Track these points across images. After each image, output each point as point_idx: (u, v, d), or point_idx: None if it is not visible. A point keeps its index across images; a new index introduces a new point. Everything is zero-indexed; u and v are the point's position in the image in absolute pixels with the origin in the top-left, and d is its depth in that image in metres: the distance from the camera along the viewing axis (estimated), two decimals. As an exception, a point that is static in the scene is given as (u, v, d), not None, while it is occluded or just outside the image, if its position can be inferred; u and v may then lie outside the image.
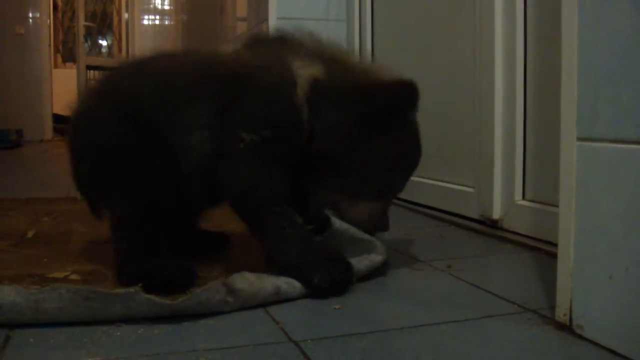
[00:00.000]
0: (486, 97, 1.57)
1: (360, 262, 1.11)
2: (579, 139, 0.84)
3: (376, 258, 1.15)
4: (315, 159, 1.09)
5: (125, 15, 7.45)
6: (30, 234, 1.51)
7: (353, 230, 1.31)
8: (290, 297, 1.00)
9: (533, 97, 1.48)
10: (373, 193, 1.12)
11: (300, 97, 1.08)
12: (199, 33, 4.73)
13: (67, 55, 8.18)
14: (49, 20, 6.72)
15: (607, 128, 0.80)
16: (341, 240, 1.29)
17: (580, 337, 0.83)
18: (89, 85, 1.26)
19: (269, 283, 0.99)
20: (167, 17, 7.10)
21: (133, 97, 1.12)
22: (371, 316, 0.96)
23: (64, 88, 6.32)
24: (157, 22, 7.14)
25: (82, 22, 6.05)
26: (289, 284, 1.00)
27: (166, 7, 7.12)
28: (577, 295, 0.85)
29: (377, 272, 1.15)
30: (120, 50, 7.69)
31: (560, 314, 0.87)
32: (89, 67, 5.76)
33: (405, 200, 1.94)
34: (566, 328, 0.86)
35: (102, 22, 7.89)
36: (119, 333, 0.86)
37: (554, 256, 0.95)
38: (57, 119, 6.34)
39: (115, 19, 7.88)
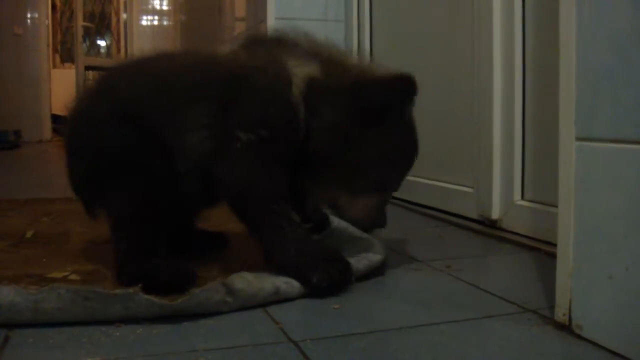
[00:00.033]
0: (485, 97, 1.58)
1: (359, 262, 1.11)
2: (578, 138, 0.84)
3: (375, 257, 1.15)
4: (313, 157, 1.09)
5: (124, 16, 7.45)
6: (29, 234, 1.51)
7: (352, 229, 1.31)
8: (289, 297, 1.00)
9: (532, 97, 1.48)
10: (371, 189, 1.11)
11: (296, 96, 1.08)
12: (198, 33, 4.73)
13: (66, 55, 8.18)
14: (47, 21, 6.71)
15: (606, 128, 0.80)
16: (339, 239, 1.29)
17: (579, 337, 0.83)
18: (85, 86, 1.25)
19: (268, 283, 0.99)
20: (165, 18, 7.10)
21: (130, 98, 1.12)
22: (370, 316, 0.96)
23: (62, 88, 6.32)
24: (155, 22, 7.13)
25: (80, 22, 6.06)
26: (287, 284, 1.00)
27: (165, 8, 7.11)
28: (577, 295, 0.85)
29: (376, 271, 1.15)
30: (118, 50, 7.69)
31: (560, 314, 0.87)
32: (87, 68, 5.77)
33: (404, 200, 1.94)
34: (565, 328, 0.86)
35: (101, 23, 7.89)
36: (118, 333, 0.86)
37: (553, 256, 0.95)
38: (56, 119, 6.34)
39: (114, 19, 7.88)
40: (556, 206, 0.89)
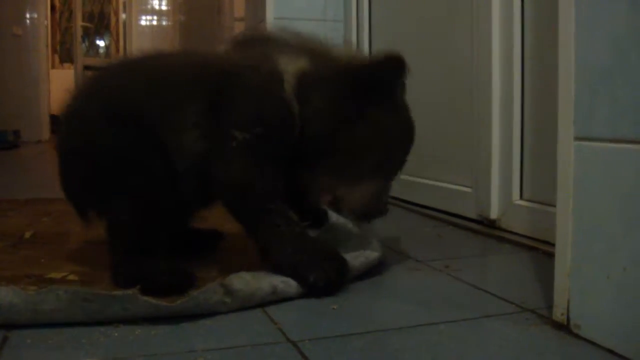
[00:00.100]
0: (484, 97, 1.58)
1: (356, 259, 1.11)
2: (576, 138, 0.84)
3: (372, 255, 1.15)
4: (309, 149, 1.09)
5: (123, 16, 7.45)
6: (28, 234, 1.51)
7: (350, 226, 1.32)
8: (287, 297, 1.00)
9: (530, 96, 1.48)
10: (368, 175, 1.11)
11: (288, 92, 1.09)
12: (197, 33, 4.73)
13: (65, 55, 8.17)
14: (46, 21, 6.70)
15: (604, 127, 0.80)
16: (337, 236, 1.29)
17: (577, 336, 0.83)
18: (77, 87, 1.25)
19: (266, 282, 0.99)
20: (164, 18, 7.09)
21: (125, 97, 1.11)
22: (369, 316, 0.96)
23: (61, 88, 6.29)
24: (154, 22, 7.13)
25: (79, 22, 6.06)
26: (285, 283, 1.00)
27: (164, 8, 7.11)
28: (575, 295, 0.85)
29: (374, 271, 1.15)
30: (117, 50, 7.69)
31: (558, 314, 0.87)
32: (86, 68, 5.77)
33: (403, 200, 1.94)
34: (564, 328, 0.86)
35: (100, 23, 7.89)
36: (117, 334, 0.86)
37: (551, 256, 0.95)
38: (55, 119, 6.33)
39: (113, 20, 7.88)
40: (554, 206, 0.89)
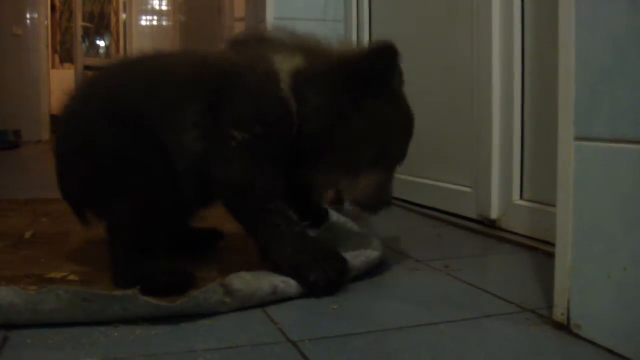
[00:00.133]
0: (484, 97, 1.58)
1: (357, 259, 1.11)
2: (577, 138, 0.84)
3: (372, 254, 1.15)
4: (309, 147, 1.09)
5: (123, 16, 7.45)
6: (28, 234, 1.51)
7: (350, 225, 1.31)
8: (287, 297, 1.00)
9: (531, 97, 1.48)
10: (370, 166, 1.10)
11: (285, 91, 1.09)
12: (197, 34, 4.73)
13: (65, 56, 8.17)
14: (46, 21, 6.70)
15: (604, 127, 0.80)
16: (337, 235, 1.28)
17: (578, 336, 0.83)
18: (75, 87, 1.24)
19: (266, 282, 0.99)
20: (165, 18, 7.09)
21: (125, 98, 1.11)
22: (369, 316, 0.96)
23: (62, 89, 6.29)
24: (155, 22, 7.13)
25: (80, 22, 6.06)
26: (285, 283, 1.00)
27: (164, 8, 7.11)
28: (575, 295, 0.85)
29: (374, 271, 1.15)
30: (118, 51, 7.69)
31: (558, 314, 0.87)
32: (86, 68, 5.77)
33: (403, 200, 1.94)
34: (564, 328, 0.86)
35: (100, 23, 7.89)
36: (117, 334, 0.86)
37: (552, 256, 0.95)
38: (55, 119, 6.32)
39: (113, 20, 7.88)
40: (555, 206, 0.89)
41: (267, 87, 1.09)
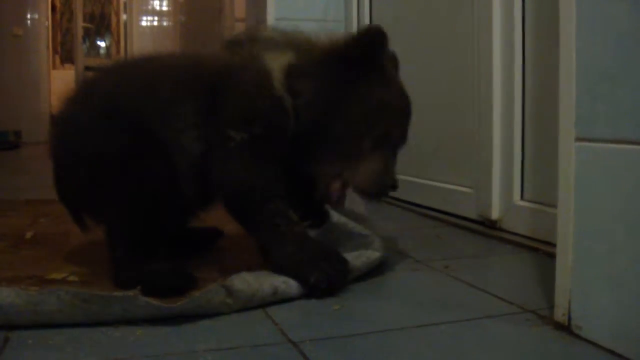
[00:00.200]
0: (485, 98, 1.58)
1: (357, 259, 1.11)
2: (578, 139, 0.84)
3: (373, 254, 1.15)
4: (307, 139, 1.09)
5: (124, 17, 7.44)
6: (29, 235, 1.51)
7: (351, 225, 1.31)
8: (288, 297, 1.00)
9: (531, 97, 1.48)
10: (370, 150, 1.10)
11: (278, 88, 1.09)
12: (198, 34, 4.73)
13: (66, 56, 8.17)
14: (47, 22, 6.70)
15: (605, 128, 0.80)
16: (339, 235, 1.28)
17: (578, 337, 0.83)
18: (72, 89, 1.24)
19: (267, 283, 0.99)
20: (165, 18, 7.09)
21: (124, 99, 1.11)
22: (370, 317, 0.96)
23: (62, 89, 6.30)
24: (155, 23, 7.13)
25: (80, 23, 6.06)
26: (286, 284, 1.00)
27: (164, 8, 7.11)
28: (576, 295, 0.85)
29: (375, 271, 1.15)
30: (118, 51, 7.69)
31: (559, 314, 0.87)
32: (87, 68, 5.77)
33: (404, 201, 1.94)
34: (565, 328, 0.86)
35: (101, 23, 7.88)
36: (117, 334, 0.86)
37: (552, 256, 0.95)
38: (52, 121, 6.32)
39: (114, 20, 7.88)
40: (556, 206, 0.89)
41: (261, 85, 1.10)
